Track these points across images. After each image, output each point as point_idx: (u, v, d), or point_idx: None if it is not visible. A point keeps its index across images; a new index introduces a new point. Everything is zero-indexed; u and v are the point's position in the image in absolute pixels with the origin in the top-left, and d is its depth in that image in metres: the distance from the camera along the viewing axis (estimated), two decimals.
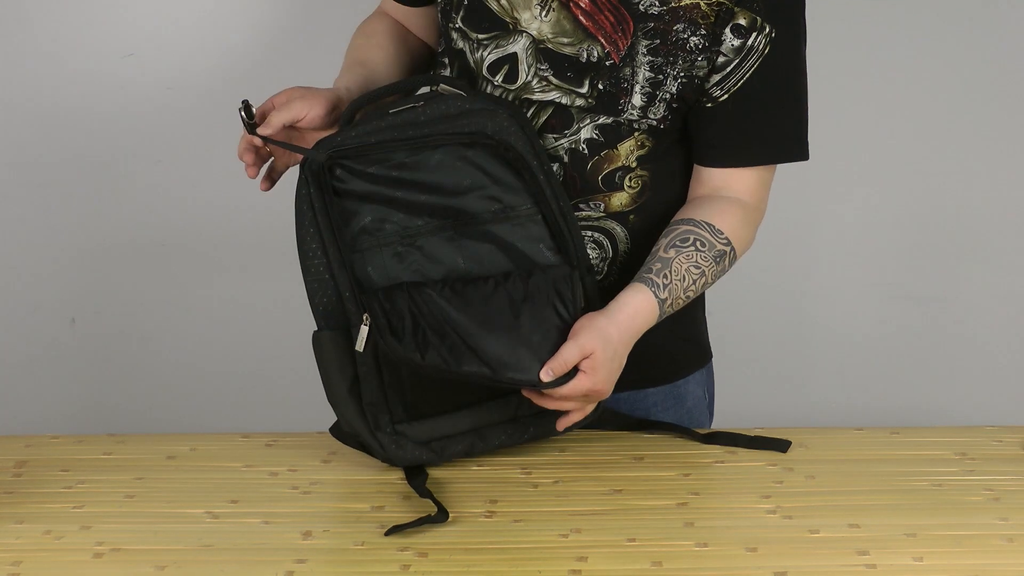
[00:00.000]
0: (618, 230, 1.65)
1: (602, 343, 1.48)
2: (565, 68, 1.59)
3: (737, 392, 2.26)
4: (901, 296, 2.45)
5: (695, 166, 1.66)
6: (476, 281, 1.50)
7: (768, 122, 1.62)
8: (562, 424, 1.53)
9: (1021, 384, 2.48)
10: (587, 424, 1.56)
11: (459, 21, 1.62)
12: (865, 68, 2.34)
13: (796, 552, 1.35)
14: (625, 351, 1.52)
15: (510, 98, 1.61)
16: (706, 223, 1.59)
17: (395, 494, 1.50)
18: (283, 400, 2.36)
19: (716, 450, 1.61)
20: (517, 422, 1.56)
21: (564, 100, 1.60)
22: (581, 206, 1.63)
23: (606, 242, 1.65)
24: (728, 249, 1.60)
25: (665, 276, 1.55)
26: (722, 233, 1.59)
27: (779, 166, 1.67)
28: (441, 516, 1.42)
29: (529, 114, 1.61)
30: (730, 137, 1.62)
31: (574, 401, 1.49)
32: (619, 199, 1.64)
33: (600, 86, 1.59)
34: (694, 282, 1.57)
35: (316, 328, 1.51)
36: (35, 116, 2.34)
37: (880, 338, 2.47)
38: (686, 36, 1.57)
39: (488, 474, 1.56)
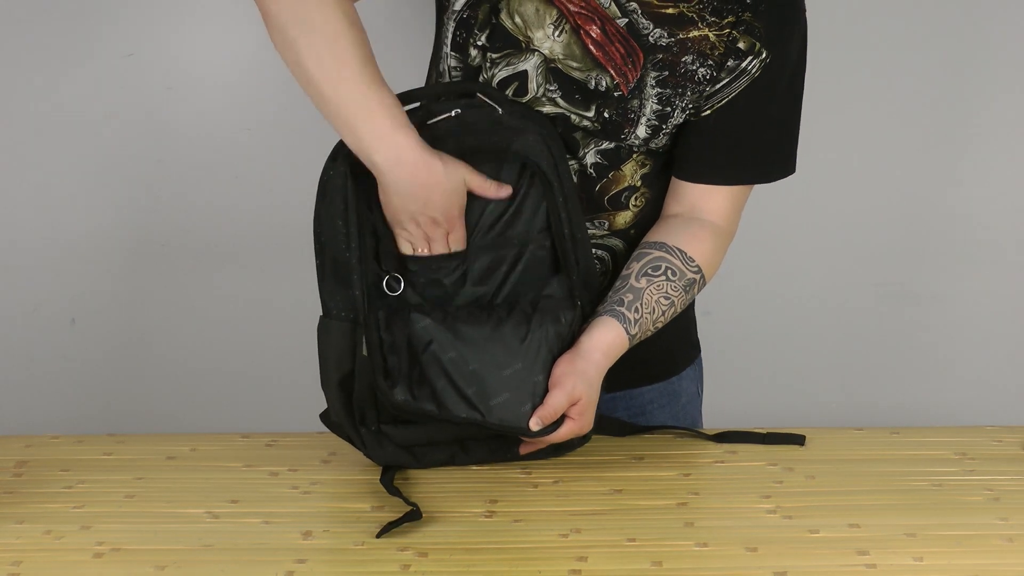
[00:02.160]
0: (620, 245, 1.66)
1: (587, 388, 1.50)
2: (573, 91, 1.59)
3: (737, 393, 2.26)
4: (900, 296, 2.45)
5: (672, 179, 1.66)
6: (481, 313, 1.50)
7: (748, 143, 1.62)
8: (525, 449, 1.56)
9: (1021, 384, 2.48)
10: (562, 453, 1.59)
11: (483, 39, 1.61)
12: (860, 67, 2.34)
13: (796, 552, 1.35)
14: (599, 383, 1.53)
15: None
16: (678, 250, 1.59)
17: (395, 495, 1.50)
18: (283, 400, 2.36)
19: (716, 450, 1.61)
20: (501, 439, 1.56)
21: (573, 119, 1.60)
22: (586, 225, 1.64)
23: (607, 257, 1.66)
24: (698, 277, 1.60)
25: (636, 310, 1.55)
26: (693, 261, 1.60)
27: None
28: (415, 514, 1.42)
29: None
30: (709, 153, 1.62)
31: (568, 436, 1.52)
32: (623, 217, 1.65)
33: (606, 114, 1.59)
34: (663, 313, 1.58)
35: (321, 314, 1.52)
36: (34, 116, 2.34)
37: (880, 338, 2.47)
38: (695, 68, 1.57)
39: (488, 474, 1.56)
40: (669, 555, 1.34)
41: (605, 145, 1.61)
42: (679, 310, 1.61)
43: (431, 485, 1.52)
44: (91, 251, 2.39)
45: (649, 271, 1.58)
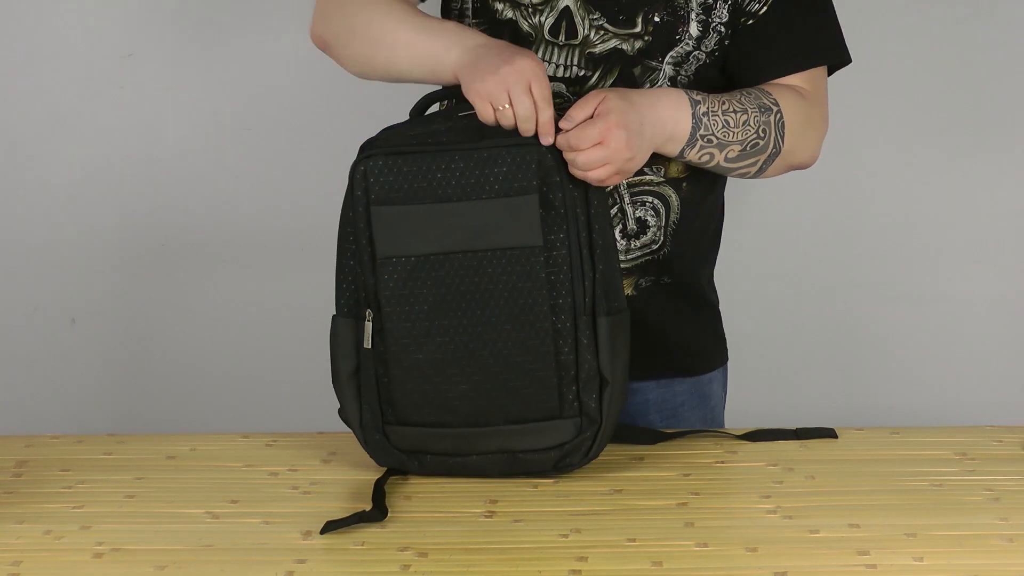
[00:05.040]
0: (672, 197, 1.67)
1: (615, 92, 1.49)
2: (616, 12, 1.60)
3: (737, 392, 2.25)
4: (900, 296, 2.45)
5: None
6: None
7: (810, 25, 1.65)
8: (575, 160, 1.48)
9: (1021, 384, 2.48)
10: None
11: None
12: (860, 68, 2.33)
13: (796, 552, 1.35)
14: (644, 116, 1.51)
15: (575, 55, 1.62)
16: (756, 87, 1.62)
17: (396, 494, 1.50)
18: (283, 400, 2.36)
19: (716, 450, 1.61)
20: (505, 454, 1.53)
21: (624, 47, 1.60)
22: (645, 170, 1.64)
23: (662, 208, 1.66)
24: (775, 108, 1.59)
25: (699, 92, 1.56)
26: (770, 94, 1.60)
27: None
28: (376, 514, 1.42)
29: (595, 78, 1.62)
30: (777, 47, 1.64)
31: (595, 152, 1.46)
32: (676, 165, 1.65)
33: (656, 18, 1.60)
34: (735, 112, 1.57)
35: (333, 312, 1.54)
36: (35, 116, 2.34)
37: (880, 338, 2.47)
38: None
39: None
40: (669, 555, 1.34)
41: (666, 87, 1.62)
42: (752, 126, 1.58)
43: (431, 485, 1.52)
44: (91, 251, 2.39)
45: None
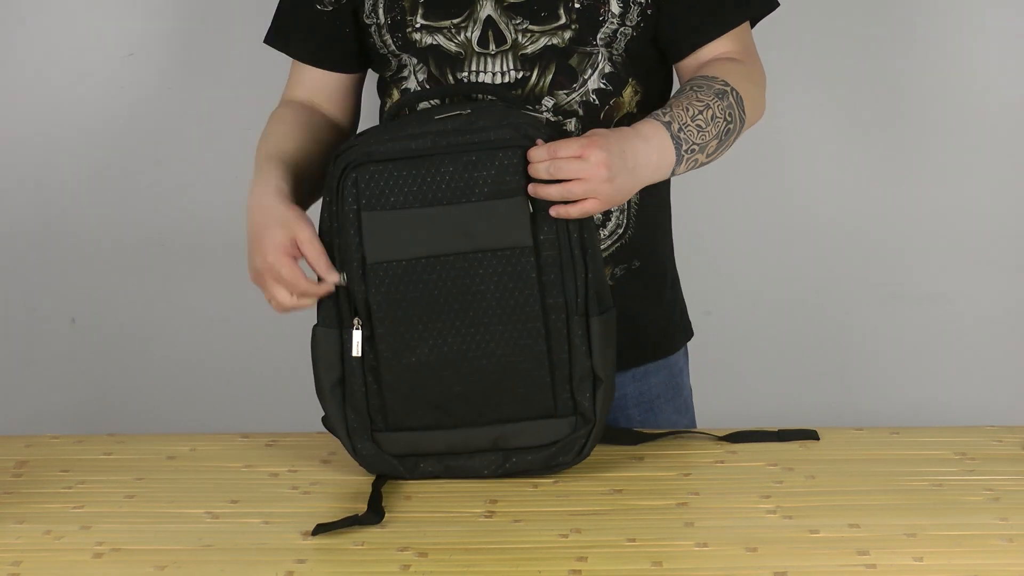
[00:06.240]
0: None
1: (601, 134, 1.49)
2: (536, 10, 1.62)
3: (737, 394, 2.26)
4: (900, 296, 2.45)
5: (678, 66, 1.70)
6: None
7: None
8: (556, 211, 1.48)
9: (1021, 384, 2.48)
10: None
11: (419, 19, 1.64)
12: (856, 65, 2.34)
13: (796, 552, 1.35)
14: (630, 146, 1.50)
15: (509, 60, 1.63)
16: (698, 76, 1.63)
17: (395, 494, 1.50)
18: (283, 400, 2.36)
19: (716, 450, 1.61)
20: (497, 452, 1.53)
21: (555, 41, 1.62)
22: None
23: None
24: (728, 88, 1.60)
25: (663, 108, 1.57)
26: (716, 78, 1.61)
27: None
28: (371, 517, 1.42)
29: (535, 76, 1.63)
30: (703, 10, 1.65)
31: (572, 163, 1.46)
32: None
33: (577, 5, 1.62)
34: (700, 112, 1.57)
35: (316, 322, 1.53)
36: (35, 116, 2.34)
37: (880, 338, 2.47)
38: None
39: None
40: (669, 555, 1.34)
41: (608, 69, 1.63)
42: (719, 116, 1.59)
43: (431, 485, 1.52)
44: (91, 251, 2.39)
45: (671, 98, 1.60)
